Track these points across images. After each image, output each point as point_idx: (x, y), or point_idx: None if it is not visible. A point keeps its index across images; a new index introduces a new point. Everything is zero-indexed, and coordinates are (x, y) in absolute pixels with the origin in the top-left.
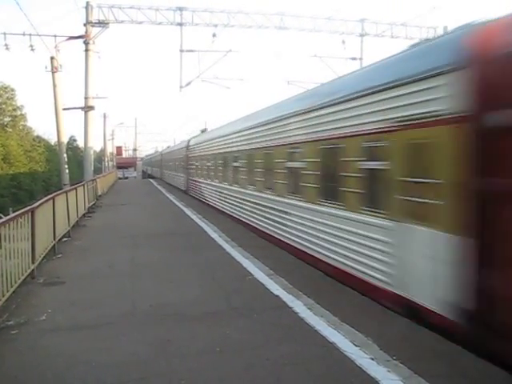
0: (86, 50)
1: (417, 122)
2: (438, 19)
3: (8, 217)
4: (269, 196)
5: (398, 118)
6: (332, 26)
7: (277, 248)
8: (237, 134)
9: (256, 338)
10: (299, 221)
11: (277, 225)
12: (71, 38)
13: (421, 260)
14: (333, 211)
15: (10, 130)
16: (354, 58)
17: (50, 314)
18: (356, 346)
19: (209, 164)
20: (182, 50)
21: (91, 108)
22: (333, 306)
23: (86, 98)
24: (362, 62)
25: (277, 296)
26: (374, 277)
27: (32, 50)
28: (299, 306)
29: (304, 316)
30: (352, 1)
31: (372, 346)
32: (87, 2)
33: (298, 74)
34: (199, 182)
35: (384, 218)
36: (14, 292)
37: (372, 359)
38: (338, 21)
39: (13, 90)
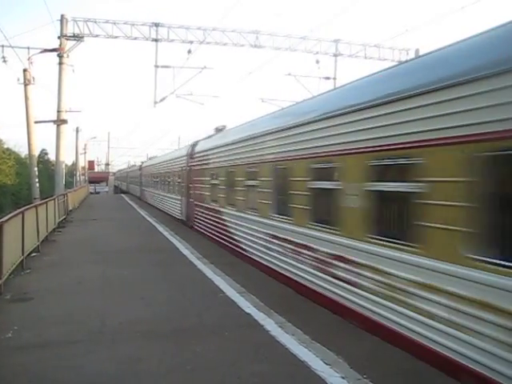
0: (60, 64)
1: None
2: (410, 41)
3: None
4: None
5: None
6: (306, 45)
7: (247, 265)
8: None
9: (227, 356)
10: None
11: None
12: (45, 50)
13: None
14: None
15: None
16: (327, 78)
17: (17, 330)
18: (327, 364)
19: (253, 183)
20: (157, 66)
21: (64, 122)
22: (304, 324)
23: (58, 112)
24: (336, 81)
25: (248, 314)
26: None
27: (4, 61)
28: (270, 324)
29: (275, 334)
30: (326, 21)
31: (343, 365)
32: (62, 15)
33: (272, 92)
34: (220, 213)
35: None
36: None
37: (343, 378)
38: (312, 40)
39: None
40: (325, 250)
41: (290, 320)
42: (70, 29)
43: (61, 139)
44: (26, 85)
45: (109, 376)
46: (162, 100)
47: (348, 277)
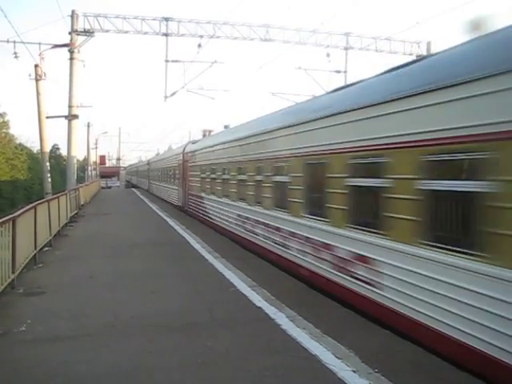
0: (71, 59)
1: None
2: (421, 34)
3: None
4: None
5: None
6: (317, 38)
7: (259, 259)
8: None
9: (238, 350)
10: None
11: None
12: (56, 46)
13: None
14: None
15: None
16: (338, 71)
17: (30, 324)
18: (338, 358)
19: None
20: (167, 60)
21: (75, 117)
22: (315, 317)
23: (69, 107)
24: (347, 75)
25: (259, 308)
26: None
27: (16, 57)
28: (282, 318)
29: (286, 328)
30: (337, 14)
31: (354, 359)
32: (72, 11)
33: (282, 86)
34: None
35: None
36: None
37: (354, 371)
38: (322, 34)
39: None
40: None
41: (301, 314)
42: (80, 24)
43: (72, 134)
44: (37, 80)
45: (121, 369)
46: (172, 94)
47: None
